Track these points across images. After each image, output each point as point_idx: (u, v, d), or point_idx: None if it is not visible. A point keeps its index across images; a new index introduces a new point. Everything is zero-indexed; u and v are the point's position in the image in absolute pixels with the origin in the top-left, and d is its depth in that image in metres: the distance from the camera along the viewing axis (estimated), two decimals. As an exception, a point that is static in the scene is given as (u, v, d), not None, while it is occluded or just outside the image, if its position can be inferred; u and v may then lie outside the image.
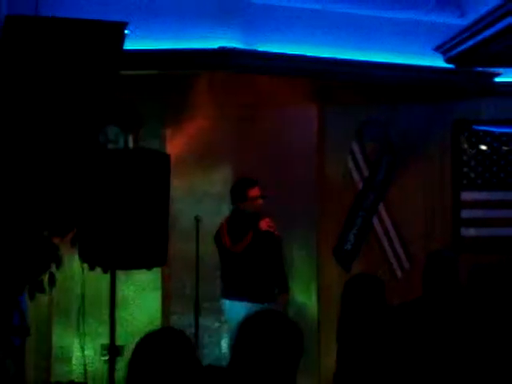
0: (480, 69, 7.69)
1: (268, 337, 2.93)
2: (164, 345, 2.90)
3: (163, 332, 3.08)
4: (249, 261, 6.70)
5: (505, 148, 8.04)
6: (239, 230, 6.72)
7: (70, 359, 7.12)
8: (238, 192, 6.85)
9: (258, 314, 3.07)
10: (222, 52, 7.11)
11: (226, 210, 7.31)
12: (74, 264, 5.29)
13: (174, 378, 2.83)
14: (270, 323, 2.99)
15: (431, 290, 5.09)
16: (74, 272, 5.59)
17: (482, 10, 6.41)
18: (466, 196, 8.06)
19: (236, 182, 6.94)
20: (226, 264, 6.82)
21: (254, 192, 6.81)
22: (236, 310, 6.65)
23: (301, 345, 2.99)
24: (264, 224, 6.74)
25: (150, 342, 2.92)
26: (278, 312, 3.15)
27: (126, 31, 5.69)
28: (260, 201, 6.81)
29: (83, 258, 4.90)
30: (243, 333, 2.98)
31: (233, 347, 2.99)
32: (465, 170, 8.08)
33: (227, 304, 6.79)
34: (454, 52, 6.97)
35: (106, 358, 5.07)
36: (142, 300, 7.29)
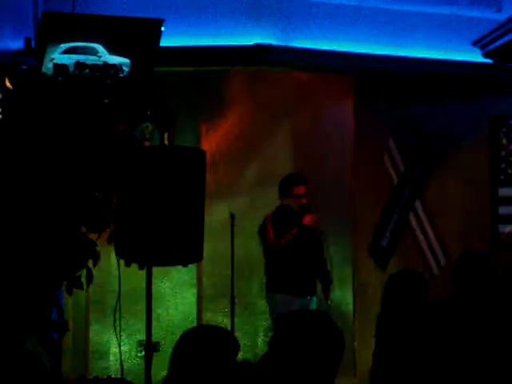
0: (518, 64, 7.62)
1: (307, 338, 2.88)
2: (206, 341, 2.91)
3: (202, 329, 3.09)
4: (292, 255, 6.73)
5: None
6: (283, 225, 6.74)
7: (107, 355, 7.17)
8: (283, 186, 6.87)
9: (296, 313, 3.04)
10: (258, 48, 7.12)
11: (260, 206, 7.31)
12: (110, 260, 5.32)
13: (216, 376, 2.84)
14: (310, 323, 2.94)
15: (463, 287, 5.06)
16: (111, 268, 5.61)
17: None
18: (504, 192, 7.99)
19: (284, 176, 6.95)
20: (270, 258, 6.86)
21: (299, 190, 6.81)
22: (278, 303, 6.70)
23: (341, 348, 2.93)
24: (308, 219, 6.75)
25: (192, 338, 2.93)
26: (321, 312, 3.10)
27: (162, 28, 5.72)
28: (303, 199, 6.81)
29: (119, 255, 4.93)
30: (281, 331, 2.95)
31: (270, 343, 2.96)
32: (502, 165, 8.01)
33: (270, 298, 6.82)
34: (492, 47, 6.92)
35: (143, 353, 5.09)
36: (177, 297, 7.32)
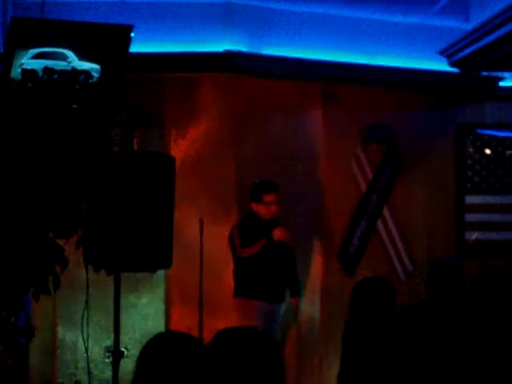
0: (484, 73, 7.71)
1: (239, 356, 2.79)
2: (171, 347, 2.90)
3: (168, 335, 3.08)
4: (260, 262, 6.75)
5: (509, 152, 8.06)
6: (251, 236, 6.75)
7: (74, 361, 7.14)
8: (254, 192, 6.89)
9: (236, 330, 2.95)
10: (228, 55, 7.14)
11: (229, 212, 7.34)
12: (78, 266, 5.30)
13: (181, 382, 2.83)
14: (246, 344, 2.85)
15: (437, 295, 5.09)
16: (79, 274, 5.60)
17: (487, 14, 6.42)
18: (470, 200, 8.08)
19: (256, 182, 6.96)
20: (238, 264, 6.88)
21: (270, 197, 6.83)
22: (246, 307, 6.73)
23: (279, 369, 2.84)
24: (277, 234, 6.76)
25: (155, 345, 2.93)
26: (259, 333, 2.99)
27: (131, 34, 5.72)
28: (274, 207, 6.82)
29: (88, 260, 4.92)
30: (217, 345, 2.89)
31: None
32: (469, 173, 8.10)
33: (238, 302, 6.85)
34: (459, 56, 6.99)
35: (110, 359, 5.08)
36: (146, 302, 7.30)
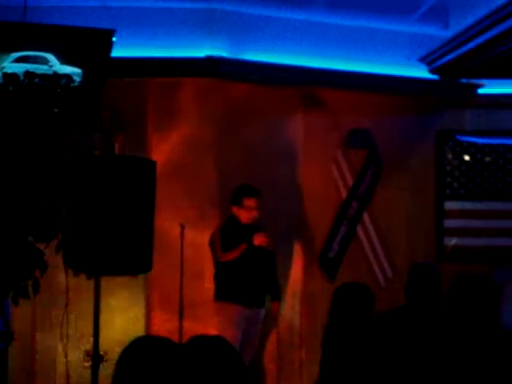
0: (463, 80, 7.77)
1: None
2: (149, 352, 2.91)
3: (147, 339, 3.09)
4: (240, 267, 6.77)
5: (487, 159, 8.11)
6: (231, 239, 6.77)
7: (53, 365, 7.12)
8: (235, 196, 6.91)
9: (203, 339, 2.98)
10: (209, 60, 7.16)
11: (210, 216, 7.35)
12: (58, 270, 5.29)
13: None
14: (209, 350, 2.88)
15: (415, 301, 5.12)
16: (58, 277, 5.59)
17: (466, 22, 6.47)
18: (449, 206, 8.13)
19: (237, 186, 6.98)
20: (218, 268, 6.90)
21: (251, 202, 6.85)
22: (226, 312, 6.74)
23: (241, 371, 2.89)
24: (258, 239, 6.78)
25: (134, 349, 2.93)
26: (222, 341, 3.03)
27: (113, 38, 5.72)
28: (254, 212, 6.84)
29: (68, 264, 4.91)
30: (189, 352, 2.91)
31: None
32: (448, 180, 8.15)
33: (218, 306, 6.86)
34: (438, 63, 7.04)
35: (90, 363, 5.07)
36: (126, 306, 7.30)
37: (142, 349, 2.92)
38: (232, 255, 6.74)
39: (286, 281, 7.54)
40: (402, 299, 5.39)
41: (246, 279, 6.82)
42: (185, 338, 6.65)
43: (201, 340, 2.89)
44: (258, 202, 6.88)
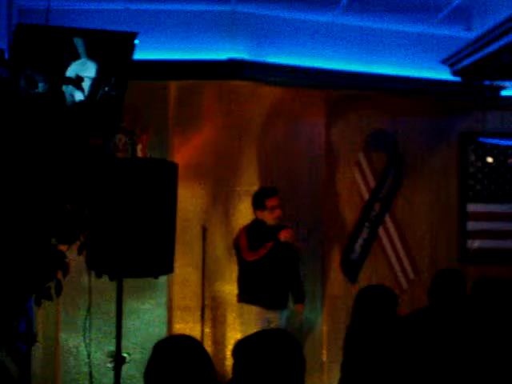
0: (486, 82, 7.73)
1: (268, 359, 2.89)
2: (180, 352, 2.94)
3: (179, 339, 3.12)
4: (265, 268, 6.77)
5: (510, 161, 8.07)
6: (258, 239, 6.78)
7: (76, 366, 7.16)
8: (256, 200, 6.93)
9: (253, 336, 3.03)
10: (231, 63, 7.18)
11: (231, 219, 7.36)
12: (81, 271, 5.33)
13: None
14: (269, 344, 2.95)
15: (439, 304, 5.13)
16: (81, 279, 5.63)
17: (489, 23, 6.44)
18: (472, 208, 8.10)
19: (256, 190, 7.01)
20: (243, 269, 6.90)
21: (273, 202, 6.87)
22: (249, 313, 6.75)
23: (301, 360, 2.95)
24: (284, 234, 6.79)
25: (167, 348, 2.96)
26: (278, 331, 3.11)
27: (136, 41, 5.74)
28: (277, 211, 6.86)
29: (90, 266, 4.94)
30: (241, 355, 2.96)
31: (233, 368, 2.96)
32: (471, 182, 8.12)
33: (241, 308, 6.87)
34: (461, 65, 7.00)
35: (112, 365, 5.10)
36: (148, 308, 7.33)
37: (172, 348, 2.96)
38: (259, 254, 6.75)
39: (307, 283, 7.54)
40: (423, 301, 5.40)
41: (269, 281, 6.82)
42: (206, 340, 6.68)
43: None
44: (280, 201, 6.90)
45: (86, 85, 5.09)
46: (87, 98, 5.11)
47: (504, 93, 7.90)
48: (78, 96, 5.04)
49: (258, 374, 2.85)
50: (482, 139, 8.06)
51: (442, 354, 4.47)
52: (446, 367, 4.40)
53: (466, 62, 6.93)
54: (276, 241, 6.77)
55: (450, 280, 5.27)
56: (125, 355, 5.08)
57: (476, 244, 8.07)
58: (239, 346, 2.97)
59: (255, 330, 6.60)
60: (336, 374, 5.17)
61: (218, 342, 7.39)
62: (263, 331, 3.15)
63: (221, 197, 7.50)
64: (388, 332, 4.70)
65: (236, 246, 6.92)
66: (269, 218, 6.89)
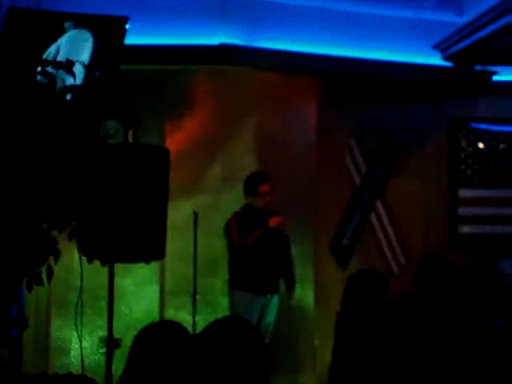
0: (478, 67, 7.74)
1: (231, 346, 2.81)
2: (163, 337, 2.93)
3: (162, 325, 3.11)
4: (255, 254, 6.78)
5: (502, 146, 8.09)
6: (248, 225, 6.79)
7: (68, 351, 7.17)
8: (248, 185, 6.93)
9: (224, 320, 2.96)
10: (223, 48, 7.16)
11: (223, 204, 7.36)
12: (72, 257, 5.33)
13: (172, 371, 2.86)
14: (232, 331, 2.85)
15: (422, 289, 5.16)
16: (73, 265, 5.63)
17: (481, 8, 6.45)
18: (463, 193, 8.12)
19: (248, 175, 7.00)
20: (234, 255, 6.91)
21: (265, 188, 6.87)
22: (239, 300, 6.77)
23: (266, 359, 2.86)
24: (274, 221, 6.80)
25: (148, 334, 2.96)
26: (241, 319, 3.01)
27: (126, 26, 5.73)
28: (268, 197, 6.86)
29: (81, 251, 4.94)
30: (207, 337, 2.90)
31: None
32: (462, 167, 8.14)
33: (232, 295, 6.87)
34: (452, 50, 7.02)
35: (104, 350, 5.10)
36: (139, 293, 7.34)
37: (155, 334, 2.95)
38: (248, 241, 6.75)
39: (299, 269, 7.54)
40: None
41: (261, 267, 6.83)
42: (198, 326, 6.69)
43: (219, 322, 2.88)
44: (272, 187, 6.90)
45: (77, 70, 5.08)
46: (78, 82, 5.09)
47: (495, 78, 7.90)
48: (69, 81, 5.02)
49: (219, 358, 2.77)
50: (473, 125, 8.08)
51: (430, 338, 4.49)
52: (433, 351, 4.42)
53: (457, 47, 6.94)
54: (265, 228, 6.77)
55: (433, 265, 5.28)
56: (116, 339, 5.09)
57: (468, 229, 8.10)
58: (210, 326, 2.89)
59: (248, 316, 6.61)
60: (327, 359, 5.19)
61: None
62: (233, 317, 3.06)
63: (212, 182, 7.49)
64: (378, 316, 4.71)
65: (226, 232, 6.92)
66: (260, 203, 6.89)
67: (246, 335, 2.75)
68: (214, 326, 2.81)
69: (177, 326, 3.01)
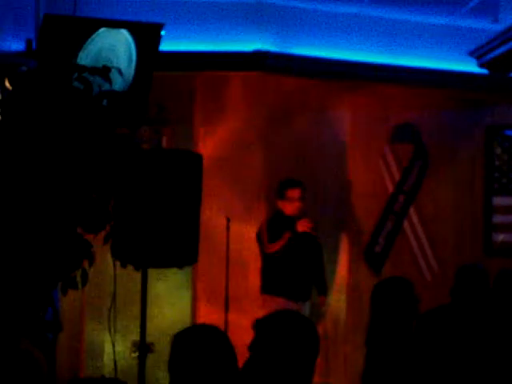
0: (513, 74, 7.68)
1: (284, 337, 2.98)
2: (203, 340, 2.97)
3: (201, 329, 3.14)
4: (286, 259, 6.79)
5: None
6: (277, 230, 6.80)
7: (101, 355, 7.21)
8: (278, 190, 6.95)
9: (274, 315, 3.11)
10: (257, 54, 7.18)
11: (256, 210, 7.37)
12: (106, 261, 5.36)
13: (213, 374, 2.90)
14: (286, 323, 3.04)
15: (462, 300, 5.12)
16: (106, 269, 5.66)
17: (517, 15, 6.41)
18: (498, 201, 8.06)
19: (280, 180, 7.02)
20: (266, 260, 6.92)
21: (293, 193, 6.88)
22: (271, 305, 6.76)
23: (316, 345, 3.03)
24: (301, 225, 6.81)
25: (187, 337, 2.99)
26: (295, 312, 3.21)
27: (162, 32, 5.77)
28: (298, 202, 6.86)
29: (115, 256, 4.98)
30: (260, 333, 3.03)
31: (250, 347, 3.03)
32: (496, 175, 8.08)
33: (264, 300, 6.89)
34: (487, 57, 6.96)
35: (137, 354, 5.13)
36: (172, 298, 7.37)
37: (193, 336, 2.99)
38: (278, 245, 6.77)
39: (331, 275, 7.54)
40: (447, 294, 5.38)
41: (292, 272, 6.84)
42: (230, 331, 6.70)
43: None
44: (302, 193, 6.90)
45: (113, 75, 5.12)
46: (114, 88, 5.13)
47: (530, 85, 7.85)
48: (106, 86, 5.06)
49: (276, 350, 2.92)
50: (508, 132, 8.02)
51: (463, 350, 4.47)
52: (466, 364, 4.40)
53: (492, 55, 6.88)
54: (294, 231, 6.78)
55: (471, 276, 5.25)
56: (149, 345, 5.11)
57: (502, 237, 8.04)
58: (260, 323, 3.03)
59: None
60: (359, 365, 5.17)
61: (242, 333, 7.42)
62: (283, 311, 3.25)
63: (245, 187, 7.51)
64: (409, 324, 4.68)
65: (258, 237, 6.95)
66: (288, 208, 6.90)
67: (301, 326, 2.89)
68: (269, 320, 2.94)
69: (214, 330, 3.05)
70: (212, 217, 7.07)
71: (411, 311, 4.69)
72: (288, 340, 2.97)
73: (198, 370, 2.91)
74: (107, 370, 6.85)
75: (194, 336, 3.01)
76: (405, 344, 4.59)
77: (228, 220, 6.99)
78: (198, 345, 2.95)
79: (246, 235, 7.21)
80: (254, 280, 7.14)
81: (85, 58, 5.48)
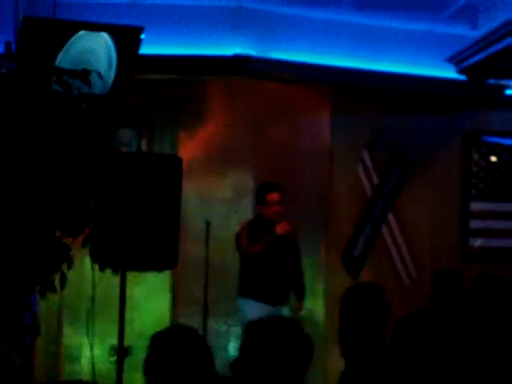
0: (491, 81, 7.73)
1: (278, 344, 2.97)
2: (179, 342, 2.97)
3: (176, 329, 3.14)
4: (265, 262, 6.80)
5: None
6: (257, 233, 6.81)
7: (78, 358, 7.19)
8: (258, 194, 6.97)
9: (267, 320, 3.10)
10: (237, 59, 7.18)
11: (236, 214, 7.38)
12: (85, 264, 5.35)
13: (188, 375, 2.90)
14: (281, 330, 3.02)
15: (439, 305, 5.15)
16: (85, 272, 5.65)
17: (495, 22, 6.44)
18: (475, 206, 8.11)
19: (259, 185, 7.03)
20: (245, 264, 6.93)
21: (273, 197, 6.89)
22: (248, 309, 6.78)
23: (310, 354, 3.02)
24: (280, 228, 6.81)
25: (164, 338, 2.99)
26: (291, 320, 3.19)
27: (142, 36, 5.76)
28: (277, 206, 6.87)
29: (94, 259, 4.97)
30: (250, 337, 3.02)
31: (240, 350, 3.02)
32: (474, 180, 8.13)
33: (241, 303, 6.89)
34: (466, 64, 7.01)
35: (115, 358, 5.12)
36: (151, 302, 7.35)
37: (171, 338, 2.99)
38: (257, 247, 6.77)
39: (309, 279, 7.55)
40: (425, 299, 5.41)
41: (270, 276, 6.84)
42: (209, 334, 6.70)
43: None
44: (281, 197, 6.90)
45: (92, 78, 5.11)
46: (94, 91, 5.13)
47: (508, 92, 7.90)
48: (85, 89, 5.05)
49: (266, 355, 2.92)
50: (486, 138, 8.08)
51: (440, 354, 4.48)
52: (442, 368, 4.41)
53: (471, 61, 6.93)
54: (273, 234, 6.79)
55: (447, 281, 5.29)
56: (127, 348, 5.10)
57: (479, 242, 8.09)
58: (253, 327, 3.02)
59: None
60: (337, 369, 5.18)
61: (221, 336, 7.42)
62: (279, 318, 3.23)
63: (225, 192, 7.51)
64: (379, 329, 4.65)
65: (237, 240, 6.95)
66: (268, 212, 6.90)
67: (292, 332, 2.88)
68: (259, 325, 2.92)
69: (191, 332, 3.05)
70: (191, 220, 7.06)
71: (381, 317, 4.68)
72: (280, 346, 2.96)
73: (174, 370, 2.91)
74: (85, 374, 6.83)
75: (171, 336, 3.01)
76: (378, 349, 4.59)
77: (207, 223, 6.98)
78: (174, 345, 2.95)
79: (225, 238, 7.21)
80: (233, 284, 7.14)
81: (64, 60, 5.46)
